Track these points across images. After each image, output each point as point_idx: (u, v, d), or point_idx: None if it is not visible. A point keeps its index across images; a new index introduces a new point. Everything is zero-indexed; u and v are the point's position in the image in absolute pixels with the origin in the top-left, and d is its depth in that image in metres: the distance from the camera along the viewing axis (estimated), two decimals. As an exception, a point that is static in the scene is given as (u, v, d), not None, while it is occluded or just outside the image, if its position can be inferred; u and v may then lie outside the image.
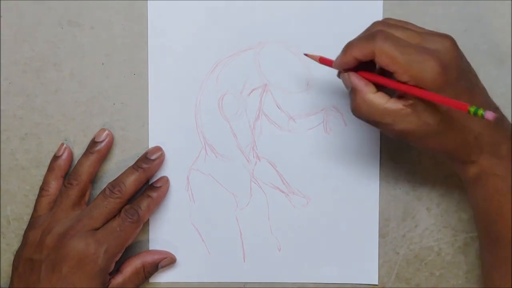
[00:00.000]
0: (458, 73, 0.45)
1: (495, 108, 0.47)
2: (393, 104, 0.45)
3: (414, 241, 0.55)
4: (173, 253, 0.55)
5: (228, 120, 0.55)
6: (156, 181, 0.54)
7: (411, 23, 0.47)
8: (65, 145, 0.54)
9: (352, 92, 0.46)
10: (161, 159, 0.54)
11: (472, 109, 0.41)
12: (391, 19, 0.47)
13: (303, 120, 0.55)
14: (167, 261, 0.54)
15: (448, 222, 0.55)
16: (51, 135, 0.55)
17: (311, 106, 0.54)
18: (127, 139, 0.55)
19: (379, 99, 0.45)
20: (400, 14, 0.54)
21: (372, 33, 0.45)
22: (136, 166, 0.53)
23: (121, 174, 0.53)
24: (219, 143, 0.55)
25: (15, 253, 0.53)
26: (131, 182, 0.52)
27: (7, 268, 0.55)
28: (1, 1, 0.54)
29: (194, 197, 0.55)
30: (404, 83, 0.44)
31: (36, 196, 0.54)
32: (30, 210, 0.54)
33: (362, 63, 0.46)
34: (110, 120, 0.55)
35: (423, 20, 0.54)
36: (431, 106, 0.44)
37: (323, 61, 0.50)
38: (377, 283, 0.55)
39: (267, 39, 0.54)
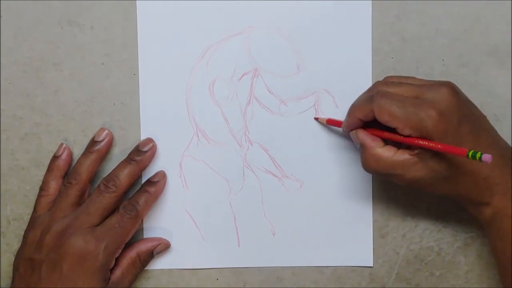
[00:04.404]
0: (459, 118, 0.45)
1: (505, 148, 0.48)
2: (400, 156, 0.46)
3: (414, 241, 0.55)
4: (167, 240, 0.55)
5: (220, 105, 0.54)
6: (153, 176, 0.54)
7: (411, 77, 0.49)
8: (64, 145, 0.54)
9: (361, 148, 0.48)
10: (153, 150, 0.54)
11: (470, 153, 0.42)
12: (391, 76, 0.50)
13: (295, 103, 0.54)
14: (162, 247, 0.54)
15: (448, 222, 0.55)
16: (51, 135, 0.55)
17: (302, 90, 0.54)
18: (127, 139, 0.55)
19: (386, 153, 0.47)
20: (400, 14, 0.54)
21: (370, 94, 0.47)
22: (129, 159, 0.53)
23: (114, 168, 0.53)
24: (211, 128, 0.55)
25: (15, 253, 0.53)
26: (124, 176, 0.52)
27: (7, 268, 0.56)
28: (1, 1, 0.54)
29: (187, 184, 0.55)
30: (408, 136, 0.45)
31: (36, 196, 0.54)
32: (30, 210, 0.54)
33: (373, 121, 0.48)
34: (110, 120, 0.55)
35: (423, 20, 0.54)
36: (437, 153, 0.45)
37: (331, 122, 0.53)
38: (371, 264, 0.55)
39: (256, 23, 0.54)
